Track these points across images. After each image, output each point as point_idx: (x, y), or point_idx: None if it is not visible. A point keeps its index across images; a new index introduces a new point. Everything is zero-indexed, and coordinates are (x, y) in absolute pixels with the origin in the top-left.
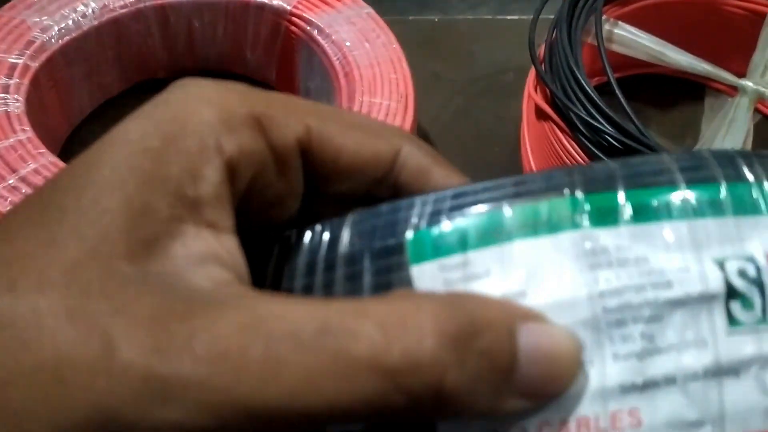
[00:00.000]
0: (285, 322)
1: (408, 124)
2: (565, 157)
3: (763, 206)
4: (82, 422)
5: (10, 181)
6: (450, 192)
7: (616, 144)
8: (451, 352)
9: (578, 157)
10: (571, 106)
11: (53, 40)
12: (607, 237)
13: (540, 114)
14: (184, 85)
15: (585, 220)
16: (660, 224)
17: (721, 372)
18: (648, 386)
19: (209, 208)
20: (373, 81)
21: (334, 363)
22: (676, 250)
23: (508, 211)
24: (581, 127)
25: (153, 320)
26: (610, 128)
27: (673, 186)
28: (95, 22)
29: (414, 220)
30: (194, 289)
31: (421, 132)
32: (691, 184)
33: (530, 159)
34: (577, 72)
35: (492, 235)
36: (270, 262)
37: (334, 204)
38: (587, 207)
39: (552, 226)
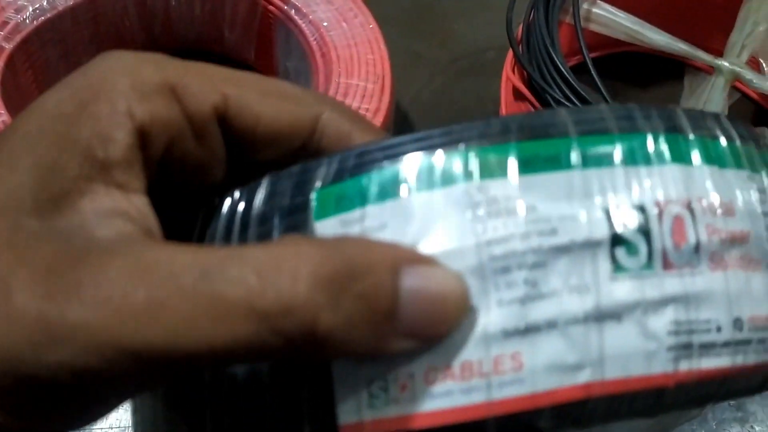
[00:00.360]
0: (168, 268)
1: (385, 105)
2: None
3: (655, 157)
4: None
5: None
6: (356, 150)
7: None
8: (325, 294)
9: None
10: (547, 88)
11: (28, 21)
12: (497, 188)
13: (518, 95)
14: (104, 57)
15: (476, 173)
16: (550, 175)
17: (602, 316)
18: (530, 331)
19: (118, 169)
20: (350, 61)
21: (211, 307)
22: (564, 199)
23: (405, 165)
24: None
25: (48, 269)
26: None
27: (564, 137)
28: (71, 2)
29: (320, 178)
30: (94, 239)
31: (401, 112)
32: (582, 135)
33: None
34: (553, 53)
35: (390, 189)
36: (195, 228)
37: (264, 170)
38: (479, 160)
39: (446, 180)
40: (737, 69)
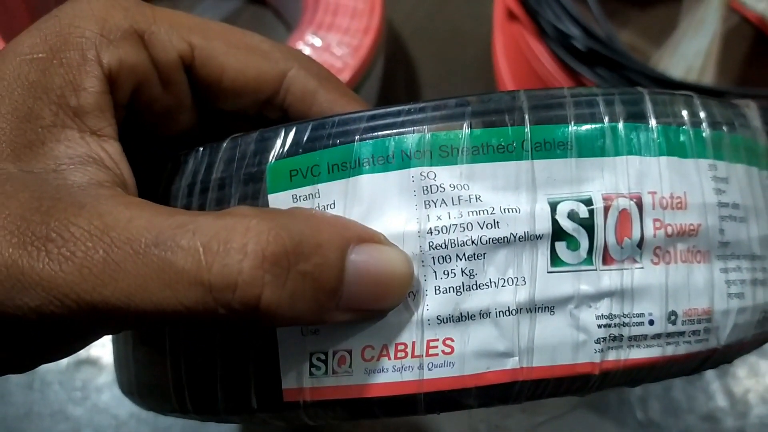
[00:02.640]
0: (126, 230)
1: (375, 24)
2: (533, 61)
3: (611, 148)
4: None
5: None
6: (312, 122)
7: (582, 49)
8: (270, 272)
9: (545, 63)
10: (539, 9)
11: None
12: (444, 175)
13: (510, 16)
14: (75, 1)
15: (427, 158)
16: (500, 164)
17: (535, 308)
18: (463, 318)
19: (91, 116)
20: None
21: (161, 273)
22: (511, 189)
23: (358, 145)
24: (548, 32)
25: (22, 218)
26: (578, 32)
27: (518, 126)
28: None
29: (275, 149)
30: (66, 185)
31: (392, 32)
32: (537, 124)
33: (501, 62)
34: None
35: (341, 168)
36: (161, 180)
37: (234, 121)
38: (431, 144)
39: (397, 163)
40: None
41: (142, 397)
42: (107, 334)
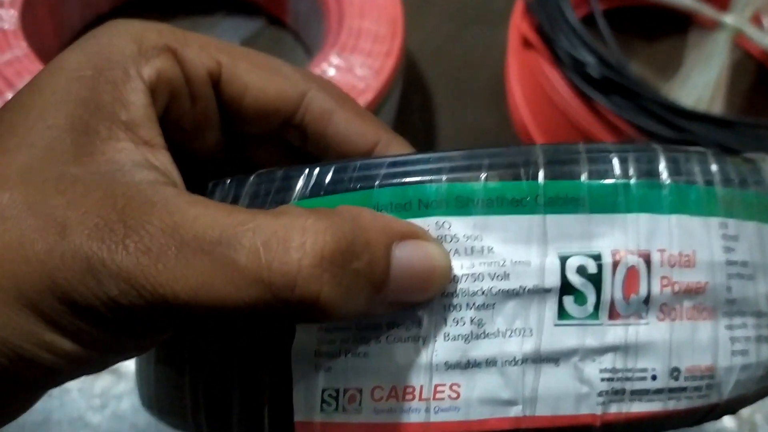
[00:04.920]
0: (194, 228)
1: (396, 49)
2: (547, 88)
3: (622, 205)
4: (41, 291)
5: (8, 95)
6: (334, 165)
7: (597, 77)
8: (328, 271)
9: (560, 89)
10: (555, 38)
11: None
12: (459, 225)
13: (525, 43)
14: (112, 24)
15: (443, 207)
16: (512, 217)
17: (541, 359)
18: (470, 365)
19: (142, 128)
20: (363, 4)
21: (225, 270)
22: (523, 243)
23: (378, 191)
24: (564, 59)
25: (99, 216)
26: (593, 60)
27: (532, 182)
28: None
29: (298, 188)
30: (135, 184)
31: (409, 58)
32: (551, 179)
33: (515, 88)
34: (562, 3)
35: None
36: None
37: (257, 147)
38: (447, 194)
39: (414, 210)
40: (740, 25)
41: (161, 413)
42: (172, 331)
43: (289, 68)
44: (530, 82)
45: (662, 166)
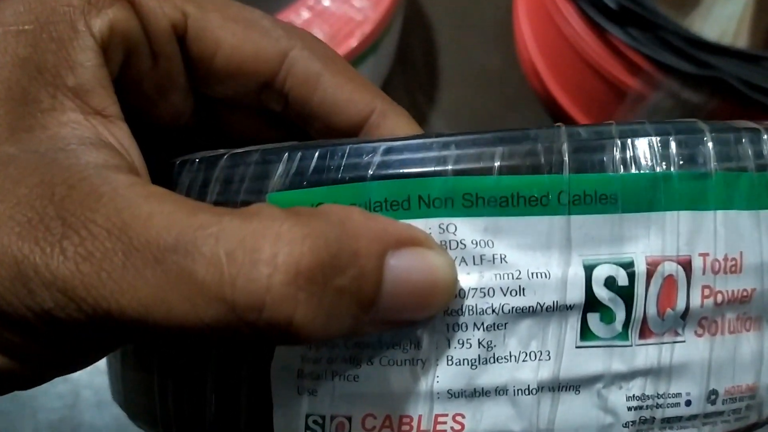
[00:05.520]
0: (146, 230)
1: None
2: (560, 22)
3: (661, 201)
4: None
5: None
6: (318, 149)
7: (613, 7)
8: (304, 290)
9: (573, 23)
10: None
11: None
12: (466, 228)
13: None
14: None
15: (448, 206)
16: (530, 219)
17: (559, 387)
18: (476, 394)
19: (92, 94)
20: None
21: (180, 284)
22: (541, 249)
23: (369, 185)
24: None
25: (32, 208)
26: None
27: (555, 174)
28: None
29: (277, 176)
30: (80, 168)
31: None
32: (578, 172)
33: (523, 24)
34: None
35: None
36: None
37: (231, 114)
38: (452, 191)
39: (414, 210)
40: None
41: (132, 416)
42: (124, 345)
43: (270, 22)
44: (540, 15)
45: (709, 151)
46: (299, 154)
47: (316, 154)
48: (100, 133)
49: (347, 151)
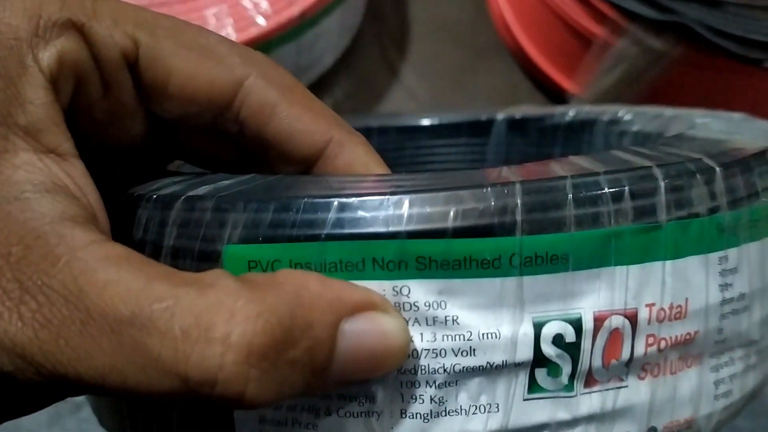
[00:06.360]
0: (102, 300)
1: None
2: None
3: (612, 257)
4: None
5: None
6: (272, 203)
7: None
8: (255, 367)
9: None
10: None
11: None
12: (419, 291)
13: None
14: None
15: (402, 269)
16: (481, 281)
17: None
18: None
19: (45, 132)
20: None
21: (135, 356)
22: (493, 309)
23: (324, 245)
24: None
25: None
26: None
27: (507, 237)
28: None
29: (231, 227)
30: (35, 222)
31: None
32: (531, 233)
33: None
34: None
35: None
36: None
37: (187, 133)
38: (406, 254)
39: (368, 272)
40: None
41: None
42: (77, 395)
43: (226, 48)
44: None
45: (662, 201)
46: (255, 206)
47: (272, 208)
48: (54, 174)
49: (302, 205)
